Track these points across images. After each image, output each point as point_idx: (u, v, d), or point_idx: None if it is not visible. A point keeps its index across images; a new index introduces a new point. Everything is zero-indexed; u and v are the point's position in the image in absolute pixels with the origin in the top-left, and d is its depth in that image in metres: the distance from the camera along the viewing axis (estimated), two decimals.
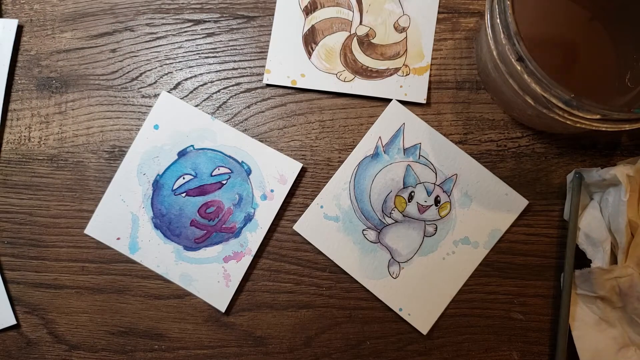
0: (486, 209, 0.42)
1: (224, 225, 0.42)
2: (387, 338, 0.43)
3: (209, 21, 0.45)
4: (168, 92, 0.44)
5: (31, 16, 0.45)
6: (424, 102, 0.43)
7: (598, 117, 0.32)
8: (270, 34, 0.44)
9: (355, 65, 0.43)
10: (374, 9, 0.44)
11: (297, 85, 0.43)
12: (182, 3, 0.45)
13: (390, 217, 0.42)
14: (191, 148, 0.43)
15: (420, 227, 0.42)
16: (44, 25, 0.45)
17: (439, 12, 0.44)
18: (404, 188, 0.43)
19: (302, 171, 0.43)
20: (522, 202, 0.42)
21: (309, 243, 0.43)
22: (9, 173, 0.44)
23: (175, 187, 0.43)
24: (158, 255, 0.43)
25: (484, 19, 0.35)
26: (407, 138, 0.43)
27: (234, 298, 0.43)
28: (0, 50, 0.44)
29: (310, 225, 0.43)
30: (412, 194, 0.42)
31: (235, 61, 0.44)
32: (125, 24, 0.45)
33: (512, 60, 0.33)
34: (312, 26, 0.44)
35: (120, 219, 0.43)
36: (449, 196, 0.42)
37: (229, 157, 0.43)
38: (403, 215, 0.42)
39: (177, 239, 0.43)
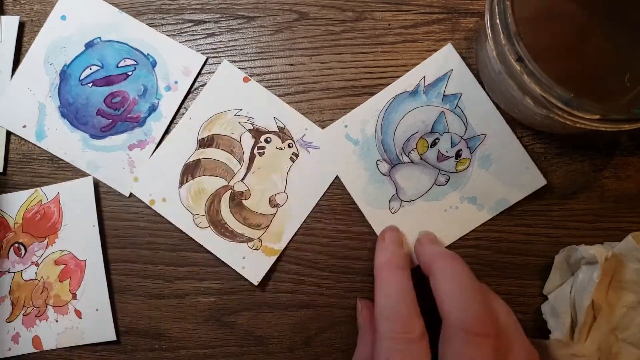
0: (502, 177, 0.42)
1: (129, 115, 0.43)
2: None
3: (209, 21, 0.45)
4: None
5: (32, 16, 0.45)
6: (256, 284, 0.42)
7: (598, 117, 0.33)
8: (266, 35, 0.44)
9: (215, 216, 0.42)
10: (260, 173, 0.43)
11: (154, 207, 0.43)
12: (183, 3, 0.45)
13: (407, 156, 0.42)
14: (98, 40, 0.44)
15: (433, 174, 0.42)
16: None
17: (438, 12, 0.44)
18: (430, 132, 0.42)
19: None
20: (539, 180, 0.42)
21: (309, 243, 0.43)
22: (9, 173, 0.44)
23: (82, 77, 0.44)
24: (65, 143, 0.44)
25: (484, 19, 0.35)
26: (450, 85, 0.42)
27: (234, 299, 0.43)
28: (3, 48, 0.44)
29: (330, 139, 0.43)
30: (437, 140, 0.42)
31: (236, 61, 0.44)
32: None
33: (512, 60, 0.33)
34: (199, 159, 0.43)
35: (26, 108, 0.44)
36: (471, 153, 0.42)
37: (135, 49, 0.44)
38: (420, 158, 0.42)
39: (84, 128, 0.44)
